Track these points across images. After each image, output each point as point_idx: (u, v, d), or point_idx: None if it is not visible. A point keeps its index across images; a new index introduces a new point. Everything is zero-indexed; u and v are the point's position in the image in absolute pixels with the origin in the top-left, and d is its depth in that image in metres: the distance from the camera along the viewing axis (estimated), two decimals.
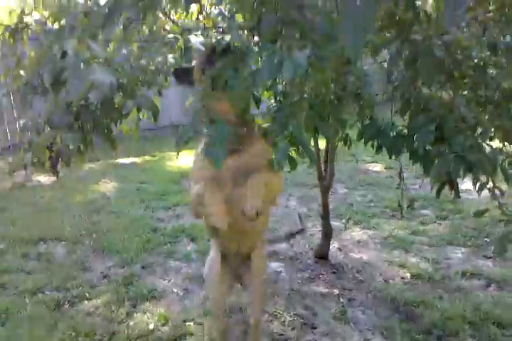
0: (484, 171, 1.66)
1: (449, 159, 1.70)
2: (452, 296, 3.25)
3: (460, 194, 1.93)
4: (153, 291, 3.35)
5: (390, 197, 5.27)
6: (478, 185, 1.77)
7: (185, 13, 2.23)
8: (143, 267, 3.74)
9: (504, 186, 1.90)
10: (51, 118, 1.49)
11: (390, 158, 2.06)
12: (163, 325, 2.95)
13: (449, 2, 0.76)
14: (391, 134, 2.06)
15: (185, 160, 7.26)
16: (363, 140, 1.98)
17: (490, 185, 1.86)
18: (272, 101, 2.02)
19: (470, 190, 3.67)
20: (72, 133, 1.46)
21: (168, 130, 8.05)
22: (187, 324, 2.95)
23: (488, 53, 1.75)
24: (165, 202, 5.30)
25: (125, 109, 1.59)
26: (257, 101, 2.03)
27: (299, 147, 1.81)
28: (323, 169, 3.78)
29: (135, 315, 3.06)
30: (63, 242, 4.21)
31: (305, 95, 1.76)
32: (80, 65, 1.16)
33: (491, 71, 1.78)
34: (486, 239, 4.16)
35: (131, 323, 2.97)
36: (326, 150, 3.74)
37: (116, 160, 7.22)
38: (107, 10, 1.22)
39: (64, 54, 1.18)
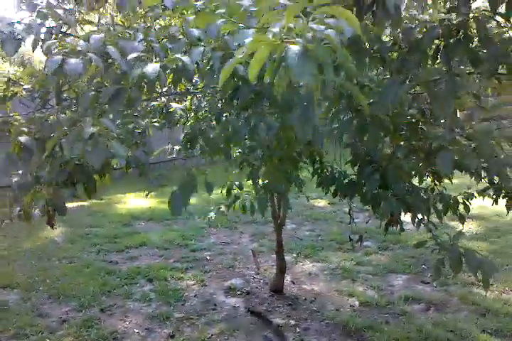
0: (420, 211, 2.00)
1: (392, 201, 2.04)
2: (397, 320, 3.55)
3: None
4: (114, 333, 3.39)
5: (336, 231, 5.62)
6: (416, 221, 2.11)
7: None
8: (101, 310, 3.76)
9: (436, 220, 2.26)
10: (39, 175, 1.68)
11: (343, 199, 2.40)
12: None
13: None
14: (344, 181, 2.42)
15: (134, 201, 7.35)
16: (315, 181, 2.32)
17: (425, 220, 2.21)
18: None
19: (407, 221, 4.12)
20: (68, 188, 1.64)
21: (114, 173, 8.10)
22: None
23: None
24: (118, 244, 5.33)
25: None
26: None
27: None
28: (276, 207, 4.04)
29: None
30: (16, 290, 4.13)
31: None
32: (100, 141, 1.39)
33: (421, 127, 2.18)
34: (423, 266, 4.56)
35: None
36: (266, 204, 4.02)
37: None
38: (113, 91, 1.47)
39: (91, 135, 1.40)
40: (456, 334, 3.28)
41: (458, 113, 2.44)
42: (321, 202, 7.09)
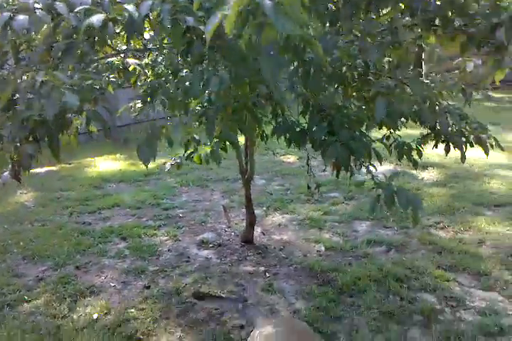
0: (361, 155, 2.12)
1: (336, 147, 2.16)
2: (360, 261, 3.78)
3: (363, 177, 2.40)
4: (91, 287, 3.53)
5: (304, 185, 5.77)
6: (358, 163, 2.25)
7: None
8: (77, 267, 3.87)
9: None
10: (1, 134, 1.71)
11: (299, 148, 2.50)
12: (105, 314, 3.16)
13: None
14: (296, 130, 2.52)
15: (104, 165, 7.33)
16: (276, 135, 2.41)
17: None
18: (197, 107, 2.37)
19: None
20: (31, 144, 1.68)
21: (82, 137, 8.01)
22: (129, 311, 3.18)
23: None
24: (90, 206, 5.38)
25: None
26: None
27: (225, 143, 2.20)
28: (244, 163, 4.14)
29: (77, 309, 3.23)
30: None
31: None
32: (52, 90, 1.42)
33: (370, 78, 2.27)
34: (386, 212, 4.79)
35: (75, 316, 3.14)
36: (246, 146, 4.11)
37: (31, 170, 7.07)
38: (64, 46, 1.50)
39: (42, 84, 1.43)
40: (413, 271, 3.54)
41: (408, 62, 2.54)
42: (290, 158, 7.23)
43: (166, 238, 4.45)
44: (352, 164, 2.31)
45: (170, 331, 2.96)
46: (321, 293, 3.30)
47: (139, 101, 2.65)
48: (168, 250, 4.18)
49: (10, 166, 2.03)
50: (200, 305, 3.26)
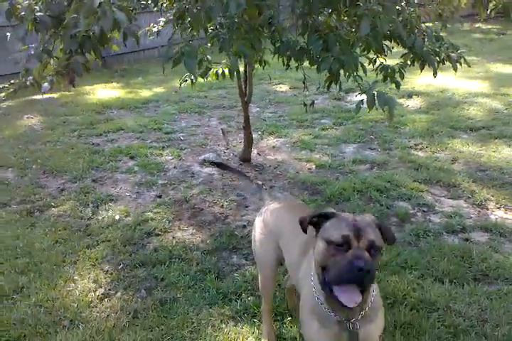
0: (350, 66, 2.49)
1: (329, 60, 2.52)
2: (346, 176, 4.28)
3: (351, 105, 2.79)
4: (109, 196, 3.99)
5: (296, 112, 6.15)
6: (347, 75, 2.63)
7: None
8: (94, 180, 4.31)
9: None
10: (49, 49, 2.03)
11: (298, 65, 2.87)
12: (126, 216, 3.65)
13: None
14: (296, 49, 2.86)
15: (102, 93, 7.56)
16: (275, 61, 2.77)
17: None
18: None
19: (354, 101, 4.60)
20: (81, 55, 2.01)
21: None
22: (145, 214, 3.67)
23: None
24: (95, 130, 5.73)
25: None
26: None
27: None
28: (243, 87, 4.45)
29: (100, 212, 3.71)
30: (11, 169, 4.59)
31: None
32: (107, 9, 1.73)
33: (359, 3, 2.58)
34: (371, 136, 5.24)
35: (99, 218, 3.63)
36: (245, 71, 4.41)
37: (32, 97, 7.28)
38: None
39: (100, 4, 1.72)
40: (392, 184, 4.05)
41: None
42: (283, 87, 7.52)
43: (170, 157, 4.87)
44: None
45: (183, 229, 3.48)
46: (311, 201, 3.80)
47: (159, 24, 2.90)
48: (174, 167, 4.62)
49: (52, 79, 2.37)
50: (208, 210, 3.76)
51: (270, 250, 2.23)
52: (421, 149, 4.82)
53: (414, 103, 6.31)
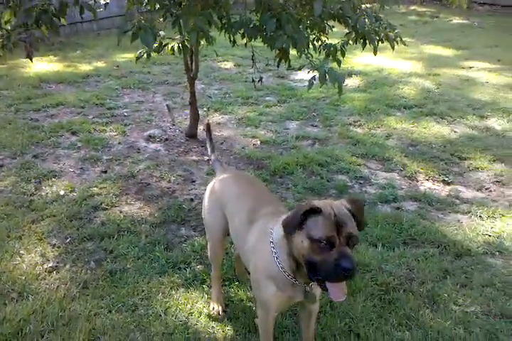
0: (302, 43, 2.61)
1: (283, 38, 2.63)
2: (289, 152, 4.45)
3: (294, 83, 2.90)
4: (52, 172, 3.92)
5: (241, 89, 6.22)
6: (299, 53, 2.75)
7: None
8: (35, 156, 4.21)
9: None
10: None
11: (250, 40, 2.95)
12: (70, 191, 3.62)
13: None
14: (250, 26, 2.94)
15: (39, 66, 7.23)
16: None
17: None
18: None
19: (303, 79, 4.81)
20: (37, 30, 1.97)
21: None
22: (91, 189, 3.66)
23: None
24: (34, 104, 5.51)
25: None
26: None
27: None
28: (189, 63, 4.45)
29: (43, 188, 3.66)
30: None
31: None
32: None
33: None
34: (313, 113, 5.43)
35: (43, 193, 3.58)
36: (191, 47, 4.40)
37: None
38: None
39: None
40: (332, 158, 4.26)
41: None
42: (228, 65, 7.53)
43: (115, 133, 4.82)
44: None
45: (130, 203, 3.51)
46: (257, 175, 3.94)
47: None
48: (119, 143, 4.59)
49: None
50: (155, 184, 3.80)
51: (218, 219, 2.34)
52: (359, 126, 5.07)
53: (353, 82, 6.57)
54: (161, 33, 3.06)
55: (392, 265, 2.85)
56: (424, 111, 5.43)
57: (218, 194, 2.37)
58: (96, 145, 4.46)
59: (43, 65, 7.29)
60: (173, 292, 2.59)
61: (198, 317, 2.42)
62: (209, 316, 2.42)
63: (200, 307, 2.48)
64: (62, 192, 3.58)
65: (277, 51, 2.87)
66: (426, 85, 6.41)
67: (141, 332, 2.30)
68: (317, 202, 1.72)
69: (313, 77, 2.72)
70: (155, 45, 3.07)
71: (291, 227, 1.71)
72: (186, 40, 2.93)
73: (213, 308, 2.45)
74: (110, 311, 2.42)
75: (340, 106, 5.62)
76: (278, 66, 2.92)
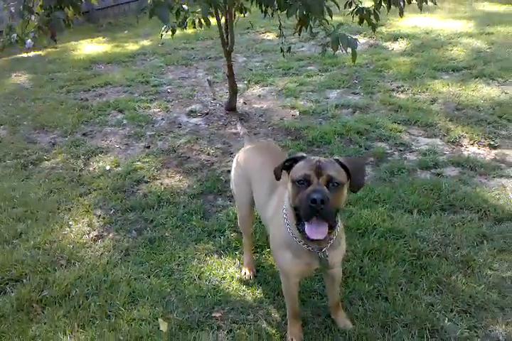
0: (316, 11, 2.55)
1: (297, 5, 2.58)
2: (328, 121, 4.39)
3: (337, 51, 2.82)
4: (99, 148, 4.14)
5: (282, 60, 6.15)
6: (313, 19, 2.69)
7: None
8: (84, 134, 4.45)
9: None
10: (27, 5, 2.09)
11: (273, 12, 2.91)
12: (116, 166, 3.82)
13: None
14: None
15: (89, 48, 7.52)
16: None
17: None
18: None
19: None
20: (60, 11, 2.08)
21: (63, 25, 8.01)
22: (135, 163, 3.84)
23: None
24: (84, 85, 5.78)
25: None
26: None
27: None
28: (224, 36, 4.47)
29: (91, 163, 3.88)
30: (3, 126, 4.71)
31: None
32: None
33: None
34: (355, 81, 5.30)
35: (91, 169, 3.80)
36: (226, 20, 4.41)
37: (19, 55, 7.26)
38: None
39: None
40: (372, 126, 4.17)
41: None
42: (270, 36, 7.44)
43: (158, 110, 4.97)
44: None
45: (171, 176, 3.65)
46: (294, 145, 3.95)
47: None
48: (162, 119, 4.73)
49: (34, 35, 2.45)
50: (195, 158, 3.92)
51: (245, 189, 2.39)
52: (402, 91, 4.89)
53: (399, 46, 6.29)
54: (184, 6, 3.08)
55: (427, 231, 2.80)
56: (473, 72, 5.13)
57: (243, 165, 2.42)
58: (140, 122, 4.63)
59: (92, 47, 7.57)
60: (208, 258, 2.70)
61: (230, 281, 2.52)
62: (240, 280, 2.52)
63: (232, 272, 2.58)
64: (108, 167, 3.78)
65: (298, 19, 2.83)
66: (477, 45, 6.02)
67: (176, 295, 2.45)
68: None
69: (327, 43, 2.66)
70: (179, 20, 3.11)
71: (277, 173, 1.85)
72: (210, 13, 2.93)
73: (245, 273, 2.55)
74: (149, 276, 2.58)
75: (383, 72, 5.43)
76: (299, 34, 2.87)
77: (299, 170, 1.74)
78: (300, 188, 1.70)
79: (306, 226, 1.72)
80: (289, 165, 1.83)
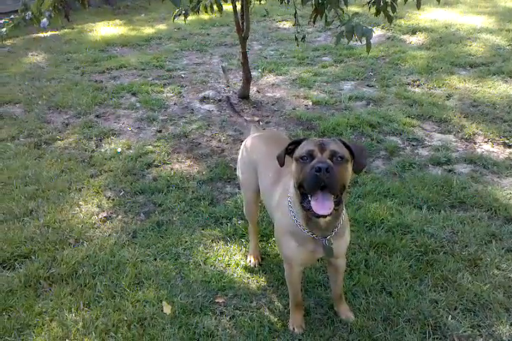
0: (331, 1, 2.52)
1: None
2: (341, 113, 4.36)
3: (353, 42, 2.78)
4: (112, 130, 4.16)
5: (298, 49, 6.11)
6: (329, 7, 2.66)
7: None
8: (97, 116, 4.47)
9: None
10: None
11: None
12: (127, 149, 3.84)
13: None
14: None
15: (105, 30, 7.50)
16: None
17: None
18: None
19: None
20: None
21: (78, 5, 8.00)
22: (146, 147, 3.85)
23: None
24: (98, 67, 5.79)
25: None
26: None
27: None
28: (240, 22, 4.43)
29: (103, 145, 3.90)
30: (18, 104, 4.74)
31: None
32: None
33: None
34: (370, 73, 5.24)
35: (102, 150, 3.82)
36: (241, 7, 4.37)
37: (36, 35, 7.28)
38: None
39: None
40: (385, 119, 4.14)
41: None
42: (286, 24, 7.38)
43: (171, 94, 4.96)
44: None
45: (181, 161, 3.66)
46: (305, 135, 3.93)
47: None
48: (174, 104, 4.73)
49: (50, 14, 2.45)
50: (205, 144, 3.92)
51: (250, 177, 2.39)
52: (418, 86, 4.84)
53: (417, 39, 6.20)
54: None
55: (436, 227, 2.79)
56: (491, 69, 5.05)
57: (249, 153, 2.42)
58: (153, 106, 4.63)
59: (109, 29, 7.56)
60: (214, 244, 2.72)
61: (235, 268, 2.54)
62: (245, 268, 2.53)
63: (237, 259, 2.60)
64: (119, 150, 3.80)
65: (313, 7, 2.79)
66: (497, 41, 5.92)
67: (181, 278, 2.47)
68: None
69: (342, 32, 2.62)
70: (192, 3, 3.08)
71: (280, 159, 1.86)
72: None
73: (250, 261, 2.56)
74: (155, 259, 2.61)
75: (400, 65, 5.37)
76: (314, 22, 2.83)
77: (302, 148, 1.75)
78: (304, 164, 1.70)
79: (311, 202, 1.70)
80: (292, 148, 1.83)
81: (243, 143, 2.54)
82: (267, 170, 2.23)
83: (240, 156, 2.52)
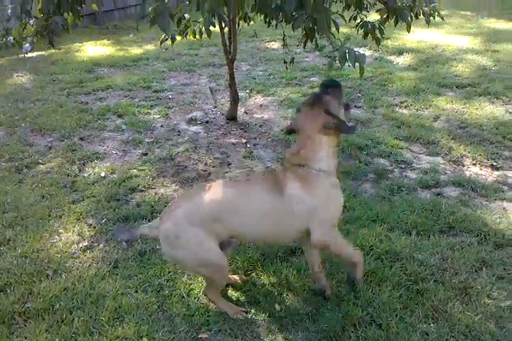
0: (322, 24, 2.50)
1: (303, 18, 2.53)
2: None
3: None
4: (96, 154, 4.08)
5: (286, 70, 6.10)
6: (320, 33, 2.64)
7: None
8: (81, 138, 4.39)
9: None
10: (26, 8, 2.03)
11: (271, 21, 2.85)
12: (111, 173, 3.75)
13: None
14: (272, 6, 2.86)
15: (93, 50, 7.48)
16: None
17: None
18: None
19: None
20: (59, 16, 2.03)
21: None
22: (130, 171, 3.77)
23: None
24: (85, 88, 5.73)
25: None
26: None
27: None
28: (227, 44, 4.42)
29: (86, 169, 3.82)
30: (0, 127, 4.65)
31: None
32: None
33: None
34: (358, 94, 5.24)
35: (85, 175, 3.73)
36: (229, 29, 4.36)
37: (22, 55, 7.21)
38: None
39: None
40: (373, 141, 4.11)
41: None
42: (275, 45, 7.41)
43: (158, 116, 4.91)
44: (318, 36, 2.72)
45: (166, 185, 3.58)
46: None
47: None
48: (161, 126, 4.68)
49: (32, 40, 2.40)
50: (192, 167, 3.85)
51: (214, 245, 2.16)
52: (406, 107, 4.84)
53: (403, 60, 6.25)
54: (186, 15, 3.03)
55: (425, 254, 2.73)
56: (477, 90, 5.08)
57: (203, 217, 2.16)
58: (139, 128, 4.57)
59: (96, 49, 7.53)
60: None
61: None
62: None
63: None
64: (103, 174, 3.72)
65: (304, 31, 2.77)
66: (483, 62, 5.98)
67: (163, 312, 2.37)
68: None
69: (334, 58, 2.61)
70: (180, 28, 3.05)
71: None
72: (212, 23, 2.88)
73: (236, 314, 2.32)
74: (137, 291, 2.51)
75: (387, 86, 5.38)
76: (304, 46, 2.82)
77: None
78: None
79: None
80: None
81: (173, 229, 2.15)
82: (252, 204, 2.17)
83: (180, 245, 2.15)
